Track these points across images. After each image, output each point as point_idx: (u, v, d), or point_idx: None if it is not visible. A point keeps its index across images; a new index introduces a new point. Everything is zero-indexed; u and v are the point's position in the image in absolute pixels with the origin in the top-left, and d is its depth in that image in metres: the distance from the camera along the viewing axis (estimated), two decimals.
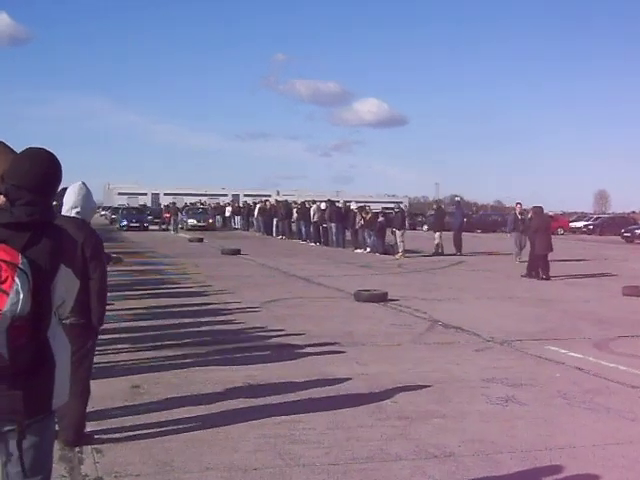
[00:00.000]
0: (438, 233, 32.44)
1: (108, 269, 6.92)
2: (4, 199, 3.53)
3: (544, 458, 6.41)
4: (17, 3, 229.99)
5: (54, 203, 6.75)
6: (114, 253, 9.74)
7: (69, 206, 6.51)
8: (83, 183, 6.73)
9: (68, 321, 6.13)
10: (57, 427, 6.26)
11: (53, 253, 3.42)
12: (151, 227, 58.25)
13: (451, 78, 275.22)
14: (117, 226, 57.72)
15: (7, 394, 3.34)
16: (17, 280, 3.20)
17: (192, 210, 62.79)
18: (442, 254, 31.42)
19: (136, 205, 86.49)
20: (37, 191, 3.51)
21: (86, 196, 6.62)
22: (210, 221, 58.47)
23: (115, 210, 75.63)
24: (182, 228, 54.70)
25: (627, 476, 6.06)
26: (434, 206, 37.29)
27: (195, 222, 56.60)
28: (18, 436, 3.41)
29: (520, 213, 28.28)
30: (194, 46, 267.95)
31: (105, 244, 6.92)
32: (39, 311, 3.31)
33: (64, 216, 6.34)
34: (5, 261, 3.22)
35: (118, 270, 17.83)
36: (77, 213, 6.47)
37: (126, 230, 53.82)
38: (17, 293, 3.19)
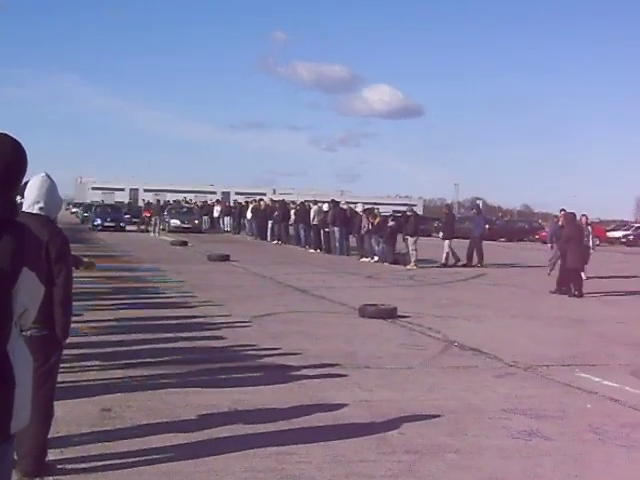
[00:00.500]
0: (447, 241, 32.47)
1: (78, 275, 6.90)
2: None
3: None
4: None
5: (18, 198, 6.73)
6: (85, 257, 9.73)
7: (31, 201, 6.44)
8: (47, 175, 6.67)
9: (28, 333, 6.10)
10: (15, 455, 6.26)
11: (15, 254, 3.36)
12: (128, 227, 58.26)
13: (474, 63, 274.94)
14: (90, 225, 57.77)
15: None
16: None
17: (175, 209, 62.76)
18: (456, 265, 31.56)
19: (112, 202, 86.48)
20: None
21: (50, 189, 6.56)
22: (196, 222, 58.47)
23: (87, 207, 75.82)
24: (164, 229, 54.69)
25: None
26: (444, 210, 37.10)
27: (179, 223, 56.65)
28: None
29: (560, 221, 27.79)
30: (181, 22, 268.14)
31: (75, 246, 6.92)
32: None
33: (25, 212, 6.28)
34: None
35: (89, 276, 17.85)
36: (40, 209, 6.39)
37: (100, 230, 53.86)
38: None
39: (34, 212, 6.37)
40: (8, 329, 3.39)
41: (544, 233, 58.61)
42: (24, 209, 6.38)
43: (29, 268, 3.44)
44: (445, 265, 31.66)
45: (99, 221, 56.32)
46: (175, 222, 56.75)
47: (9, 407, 3.40)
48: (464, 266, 31.21)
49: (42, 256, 3.63)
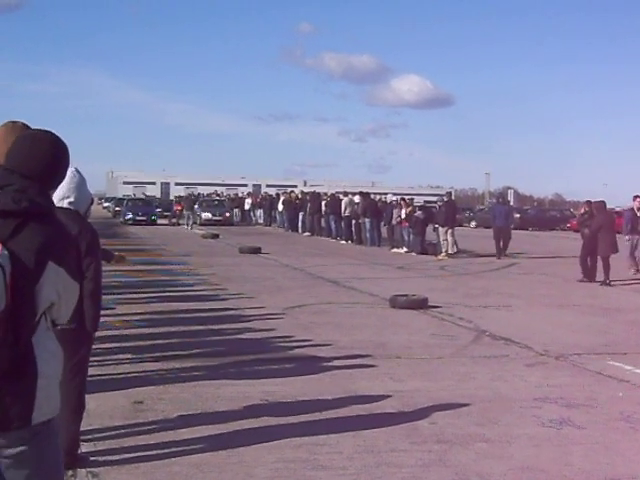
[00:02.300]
0: (449, 230, 31.77)
1: (109, 268, 6.93)
2: None
3: None
4: None
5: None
6: (116, 250, 9.78)
7: (60, 196, 6.42)
8: (76, 170, 6.69)
9: (58, 326, 6.16)
10: None
11: (40, 248, 3.37)
12: (160, 221, 58.42)
13: (505, 52, 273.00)
14: (121, 219, 58.00)
15: None
16: None
17: (207, 202, 62.86)
18: (456, 254, 31.41)
19: (143, 196, 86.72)
20: (32, 177, 3.50)
21: (79, 184, 6.58)
22: (227, 215, 58.46)
23: (119, 201, 76.05)
24: (195, 223, 54.76)
25: None
26: (445, 198, 36.16)
27: (210, 216, 56.67)
28: None
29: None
30: (208, 14, 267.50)
31: (107, 240, 6.95)
32: (19, 313, 3.30)
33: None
34: None
35: (121, 270, 17.99)
36: (69, 204, 6.40)
37: (131, 224, 54.01)
38: None
39: (64, 207, 6.41)
40: (31, 322, 3.41)
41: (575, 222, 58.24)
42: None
43: (56, 263, 3.44)
44: (449, 253, 31.30)
45: (130, 215, 56.48)
46: (206, 215, 56.80)
47: (30, 397, 3.41)
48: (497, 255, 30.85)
49: (73, 251, 3.65)
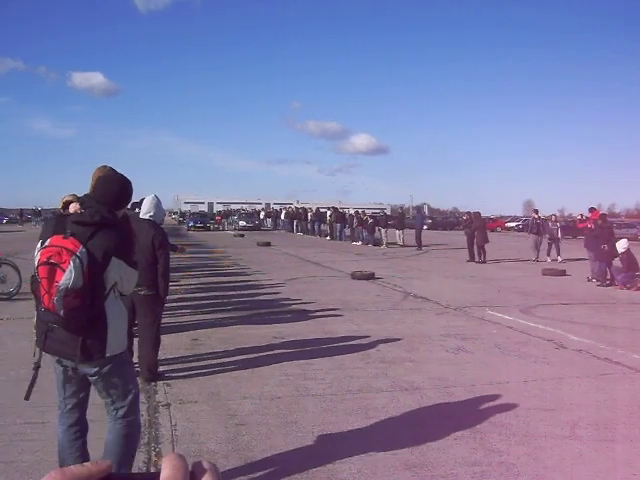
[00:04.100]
0: (399, 231, 32.42)
1: (175, 256, 6.89)
2: (78, 207, 3.65)
3: (484, 390, 6.38)
4: (109, 65, 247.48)
5: (136, 210, 6.69)
6: (180, 245, 9.70)
7: (144, 211, 6.47)
8: (155, 195, 6.67)
9: (142, 292, 6.20)
10: (138, 369, 6.26)
11: (107, 248, 3.45)
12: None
13: (420, 118, 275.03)
14: (185, 226, 57.48)
15: (70, 343, 3.45)
16: (71, 263, 3.30)
17: (242, 214, 62.41)
18: (403, 246, 31.32)
19: (197, 211, 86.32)
20: (104, 202, 3.57)
21: (157, 205, 6.57)
22: (256, 222, 57.47)
23: (182, 214, 75.85)
24: (234, 228, 54.05)
25: (542, 402, 6.02)
26: (399, 210, 36.93)
27: (245, 223, 55.80)
28: (72, 371, 3.51)
29: (538, 218, 24.01)
30: (237, 100, 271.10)
31: (174, 238, 6.89)
32: (94, 288, 3.38)
33: (141, 218, 6.32)
34: (68, 249, 3.32)
35: (183, 257, 17.85)
36: (150, 216, 6.42)
37: (193, 230, 53.50)
38: (70, 272, 3.28)
39: (147, 218, 6.38)
40: (103, 293, 3.47)
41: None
42: (140, 216, 6.42)
43: (117, 257, 3.50)
44: (401, 246, 31.50)
45: (192, 223, 55.72)
46: (242, 223, 55.69)
47: (103, 339, 3.51)
48: (416, 247, 30.72)
49: (132, 248, 3.69)
